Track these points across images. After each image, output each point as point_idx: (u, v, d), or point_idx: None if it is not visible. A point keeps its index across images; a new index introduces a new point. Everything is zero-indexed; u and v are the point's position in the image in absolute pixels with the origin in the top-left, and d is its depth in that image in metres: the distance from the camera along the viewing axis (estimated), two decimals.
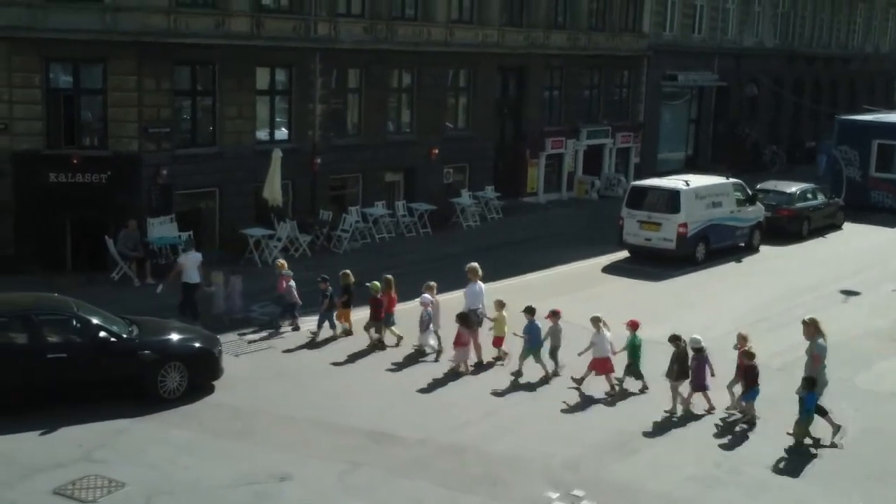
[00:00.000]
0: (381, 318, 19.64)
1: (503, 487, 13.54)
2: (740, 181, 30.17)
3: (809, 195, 32.75)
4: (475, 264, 19.80)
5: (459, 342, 18.24)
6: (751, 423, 16.07)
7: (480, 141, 34.21)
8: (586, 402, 16.93)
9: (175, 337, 16.86)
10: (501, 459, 14.40)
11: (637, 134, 40.90)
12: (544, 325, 18.35)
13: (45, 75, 24.24)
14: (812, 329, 15.92)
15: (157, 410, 15.73)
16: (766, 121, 49.38)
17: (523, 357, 18.19)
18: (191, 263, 20.58)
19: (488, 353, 18.94)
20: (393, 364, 18.64)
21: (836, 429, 15.56)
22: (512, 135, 36.39)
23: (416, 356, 19.01)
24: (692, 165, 43.06)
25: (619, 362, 17.57)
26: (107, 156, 24.65)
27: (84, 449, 14.23)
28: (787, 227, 31.37)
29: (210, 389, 16.73)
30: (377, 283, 19.90)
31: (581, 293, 24.09)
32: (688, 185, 27.58)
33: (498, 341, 18.98)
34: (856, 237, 32.58)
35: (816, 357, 15.75)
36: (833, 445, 15.34)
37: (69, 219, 24.50)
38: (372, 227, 29.37)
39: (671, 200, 27.11)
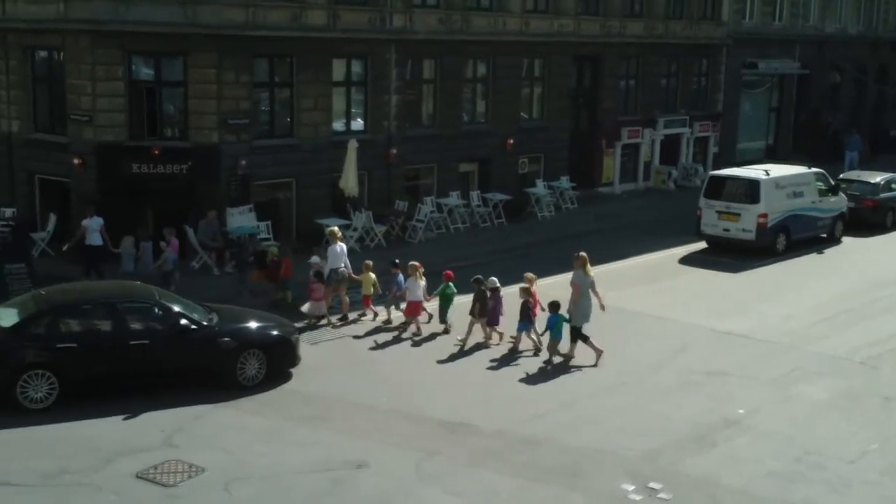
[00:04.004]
0: (279, 280, 21.33)
1: (579, 479, 13.45)
2: (822, 171, 29.53)
3: (894, 185, 31.90)
4: (335, 228, 22.02)
5: (314, 296, 19.99)
6: (514, 351, 18.54)
7: (555, 131, 34.01)
8: (663, 394, 16.72)
9: (254, 325, 17.08)
10: (577, 451, 14.31)
11: (716, 123, 40.28)
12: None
13: (128, 68, 24.67)
14: (578, 262, 18.37)
15: (235, 397, 15.96)
16: (849, 109, 48.25)
17: (388, 305, 20.41)
18: (94, 227, 22.40)
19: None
20: (469, 355, 18.63)
21: (598, 353, 18.10)
22: (587, 125, 36.10)
23: (497, 349, 19.00)
24: (772, 155, 42.25)
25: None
26: (187, 147, 25.05)
27: (165, 434, 14.50)
28: (871, 218, 30.61)
29: (287, 377, 16.92)
30: (275, 248, 22.08)
31: (658, 284, 23.84)
32: (768, 174, 27.06)
33: (365, 300, 20.63)
34: None
35: (575, 286, 18.19)
36: (594, 365, 17.90)
37: (151, 209, 24.96)
38: (447, 217, 29.41)
39: (751, 190, 26.64)
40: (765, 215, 26.35)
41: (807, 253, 27.40)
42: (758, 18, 42.08)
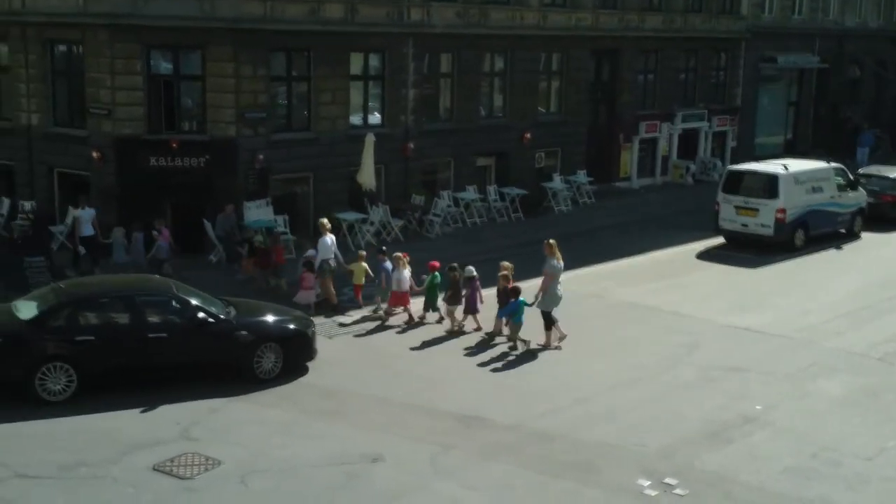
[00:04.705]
0: (269, 268, 21.94)
1: (595, 474, 13.45)
2: (842, 166, 29.38)
3: None
4: (324, 220, 21.95)
5: (304, 285, 20.39)
6: (493, 336, 18.90)
7: (573, 125, 33.95)
8: (679, 390, 16.69)
9: (271, 318, 17.13)
10: (592, 446, 14.30)
11: (734, 117, 40.13)
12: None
13: (146, 62, 24.75)
14: (549, 250, 18.63)
15: (252, 390, 16.02)
16: (869, 104, 47.95)
17: (382, 296, 20.41)
18: (86, 217, 22.86)
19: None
20: (484, 350, 18.63)
21: (562, 336, 18.51)
22: (605, 119, 36.03)
23: (509, 343, 19.00)
24: (791, 150, 42.04)
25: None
26: (205, 140, 25.12)
27: (182, 427, 14.56)
28: (890, 213, 30.41)
29: (304, 370, 16.98)
30: (259, 236, 22.74)
31: (674, 280, 23.78)
32: (787, 169, 26.93)
33: (357, 289, 20.95)
34: None
35: (547, 274, 18.45)
36: (557, 348, 18.40)
37: (169, 202, 25.06)
38: (463, 211, 29.41)
39: (769, 185, 26.52)
40: (783, 210, 26.24)
41: (826, 248, 27.27)
42: (777, 12, 41.86)
